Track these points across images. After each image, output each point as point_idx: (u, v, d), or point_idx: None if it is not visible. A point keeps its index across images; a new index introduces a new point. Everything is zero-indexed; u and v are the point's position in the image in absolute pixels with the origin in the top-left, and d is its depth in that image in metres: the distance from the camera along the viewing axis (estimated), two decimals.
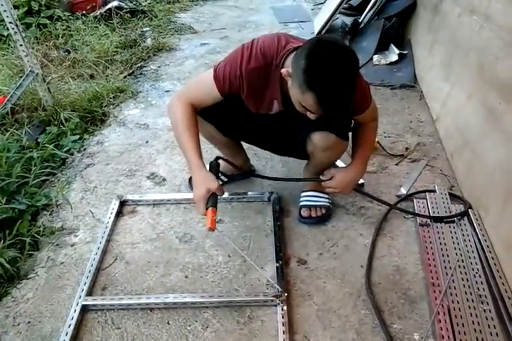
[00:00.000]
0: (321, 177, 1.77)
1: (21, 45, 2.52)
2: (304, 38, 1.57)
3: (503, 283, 1.51)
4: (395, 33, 3.57)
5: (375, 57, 3.40)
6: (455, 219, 1.80)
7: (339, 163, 2.14)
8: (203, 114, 1.67)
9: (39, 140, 2.45)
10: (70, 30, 4.02)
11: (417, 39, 3.36)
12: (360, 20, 3.88)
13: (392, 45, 3.47)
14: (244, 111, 1.65)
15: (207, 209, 1.48)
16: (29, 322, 1.49)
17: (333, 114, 1.46)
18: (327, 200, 1.92)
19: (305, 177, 1.93)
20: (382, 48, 3.50)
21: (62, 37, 3.88)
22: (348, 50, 1.32)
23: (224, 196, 1.90)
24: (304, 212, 1.88)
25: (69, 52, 3.65)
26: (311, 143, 1.69)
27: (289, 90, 1.41)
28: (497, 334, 1.36)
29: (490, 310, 1.44)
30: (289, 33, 1.63)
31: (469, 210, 1.83)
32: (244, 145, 2.04)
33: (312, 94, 1.29)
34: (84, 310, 1.51)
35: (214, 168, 1.69)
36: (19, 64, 3.21)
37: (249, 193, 2.03)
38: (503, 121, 1.70)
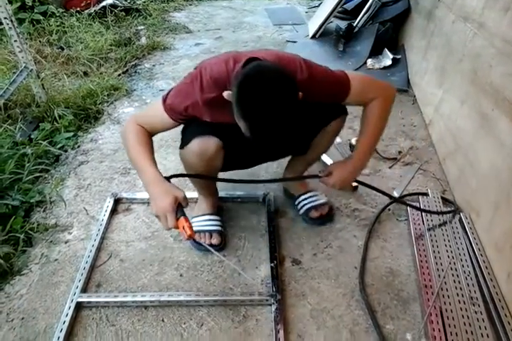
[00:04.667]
0: (318, 173, 1.71)
1: (16, 40, 2.51)
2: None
3: (493, 286, 1.53)
4: (389, 37, 3.62)
5: (369, 61, 3.44)
6: (447, 220, 1.83)
7: (326, 159, 2.18)
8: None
9: (32, 136, 2.44)
10: (63, 27, 4.01)
11: (411, 44, 3.40)
12: (354, 25, 3.91)
13: (386, 50, 3.51)
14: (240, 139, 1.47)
15: (178, 219, 1.33)
16: (23, 318, 1.47)
17: (270, 141, 1.31)
18: (324, 197, 1.93)
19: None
20: (376, 52, 3.55)
21: (55, 33, 3.87)
22: (283, 77, 1.23)
23: (219, 195, 1.91)
24: (314, 214, 1.87)
25: (63, 49, 3.63)
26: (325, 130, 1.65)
27: None
28: (487, 335, 1.38)
29: (481, 312, 1.46)
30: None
31: (461, 214, 1.86)
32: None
33: (245, 124, 1.24)
34: (79, 306, 1.51)
35: None
36: (12, 59, 3.18)
37: (244, 193, 2.03)
38: (495, 127, 1.73)
